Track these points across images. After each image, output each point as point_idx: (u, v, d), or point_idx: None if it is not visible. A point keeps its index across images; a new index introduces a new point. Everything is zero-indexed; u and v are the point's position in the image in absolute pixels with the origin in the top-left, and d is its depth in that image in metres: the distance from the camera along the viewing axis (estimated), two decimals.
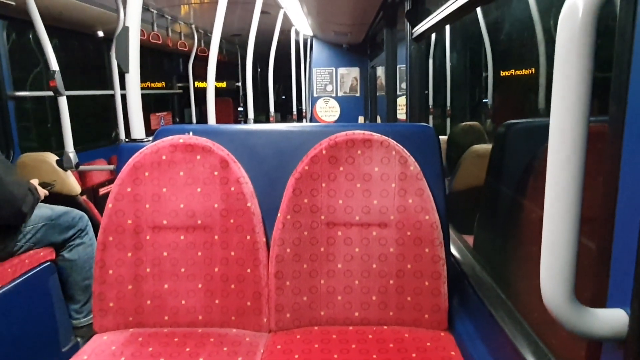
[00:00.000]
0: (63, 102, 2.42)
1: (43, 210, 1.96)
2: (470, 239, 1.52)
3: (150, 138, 1.44)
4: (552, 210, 0.55)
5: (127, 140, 1.55)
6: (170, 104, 6.75)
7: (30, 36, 3.52)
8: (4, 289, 1.70)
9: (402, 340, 1.18)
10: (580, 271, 0.56)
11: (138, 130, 1.55)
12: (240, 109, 7.15)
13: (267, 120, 5.27)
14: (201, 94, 6.03)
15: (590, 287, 0.64)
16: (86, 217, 2.14)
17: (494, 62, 2.66)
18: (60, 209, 2.03)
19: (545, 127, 0.56)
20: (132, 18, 1.47)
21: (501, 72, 2.63)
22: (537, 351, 0.84)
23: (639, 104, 0.54)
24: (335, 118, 6.19)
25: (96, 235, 2.14)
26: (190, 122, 6.26)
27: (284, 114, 9.74)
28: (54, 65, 2.36)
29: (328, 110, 6.20)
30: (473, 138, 2.55)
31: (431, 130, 1.34)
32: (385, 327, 1.24)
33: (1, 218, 1.71)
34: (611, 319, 0.55)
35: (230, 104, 8.20)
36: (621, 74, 0.56)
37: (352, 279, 1.25)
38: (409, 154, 1.25)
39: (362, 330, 1.23)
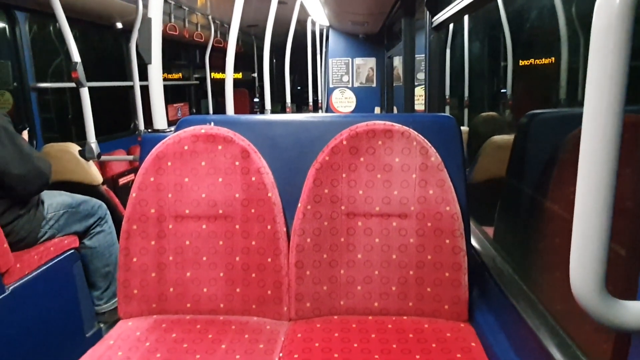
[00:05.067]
0: (85, 93, 2.46)
1: (64, 198, 2.01)
2: (490, 231, 1.51)
3: (172, 128, 1.45)
4: (584, 201, 0.54)
5: (149, 130, 1.57)
6: (187, 95, 6.80)
7: (51, 28, 3.58)
8: (30, 276, 1.75)
9: (422, 330, 1.18)
10: (611, 263, 0.55)
11: (160, 120, 1.57)
12: (255, 99, 7.17)
13: (283, 111, 5.27)
14: (217, 85, 6.06)
15: (621, 279, 0.63)
16: (104, 205, 2.19)
17: (514, 51, 2.61)
18: (79, 197, 2.08)
19: (569, 118, 0.55)
20: (154, 9, 1.48)
21: (520, 61, 2.59)
22: (561, 343, 0.83)
23: None
24: (351, 109, 6.16)
25: (117, 224, 2.19)
26: (207, 113, 6.29)
27: (300, 104, 9.73)
28: (76, 56, 2.39)
29: (344, 101, 6.18)
30: (493, 128, 2.52)
31: (452, 121, 1.33)
32: (404, 317, 1.25)
33: (32, 193, 1.83)
34: None
35: (246, 94, 8.22)
36: None
37: (372, 269, 1.26)
38: (430, 145, 1.24)
39: (382, 320, 1.23)
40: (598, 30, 0.51)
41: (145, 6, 1.51)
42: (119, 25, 3.95)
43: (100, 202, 2.18)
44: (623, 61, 0.50)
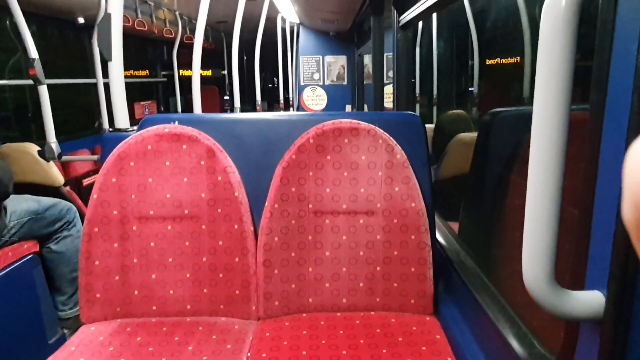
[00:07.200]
0: (43, 90, 2.36)
1: (29, 204, 1.92)
2: (455, 226, 1.55)
3: (135, 128, 1.42)
4: (534, 196, 0.56)
5: (111, 129, 1.53)
6: (154, 92, 6.65)
7: (8, 23, 3.43)
8: None
9: (389, 325, 1.20)
10: (561, 255, 0.57)
11: (122, 119, 1.53)
12: (226, 97, 7.08)
13: (254, 109, 5.23)
14: (186, 82, 5.94)
15: (569, 270, 0.66)
16: (74, 208, 2.11)
17: (480, 50, 2.68)
18: (47, 201, 1.99)
19: (530, 115, 0.57)
20: (113, 4, 1.44)
21: (487, 60, 2.66)
22: (519, 333, 0.86)
23: (618, 92, 0.55)
24: (323, 107, 6.17)
25: None
26: (176, 111, 6.18)
27: (271, 102, 9.67)
28: (33, 53, 2.30)
29: (315, 99, 6.18)
30: (459, 126, 2.58)
31: (417, 119, 1.35)
32: (372, 312, 1.26)
33: None
34: (589, 301, 0.57)
35: (216, 92, 8.11)
36: (602, 62, 0.57)
37: (340, 267, 1.27)
38: (395, 142, 1.26)
39: (350, 316, 1.24)
40: (546, 32, 0.53)
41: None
42: (81, 20, 3.82)
43: (70, 205, 2.09)
44: (569, 61, 0.53)
